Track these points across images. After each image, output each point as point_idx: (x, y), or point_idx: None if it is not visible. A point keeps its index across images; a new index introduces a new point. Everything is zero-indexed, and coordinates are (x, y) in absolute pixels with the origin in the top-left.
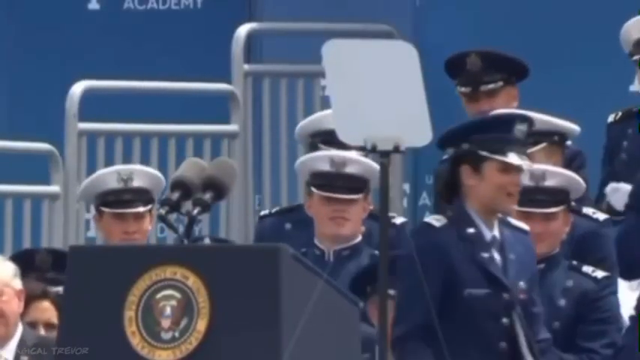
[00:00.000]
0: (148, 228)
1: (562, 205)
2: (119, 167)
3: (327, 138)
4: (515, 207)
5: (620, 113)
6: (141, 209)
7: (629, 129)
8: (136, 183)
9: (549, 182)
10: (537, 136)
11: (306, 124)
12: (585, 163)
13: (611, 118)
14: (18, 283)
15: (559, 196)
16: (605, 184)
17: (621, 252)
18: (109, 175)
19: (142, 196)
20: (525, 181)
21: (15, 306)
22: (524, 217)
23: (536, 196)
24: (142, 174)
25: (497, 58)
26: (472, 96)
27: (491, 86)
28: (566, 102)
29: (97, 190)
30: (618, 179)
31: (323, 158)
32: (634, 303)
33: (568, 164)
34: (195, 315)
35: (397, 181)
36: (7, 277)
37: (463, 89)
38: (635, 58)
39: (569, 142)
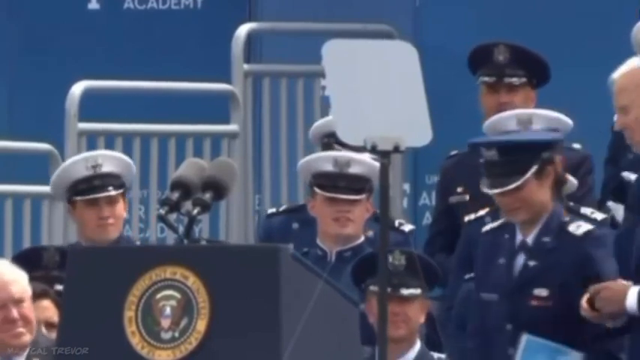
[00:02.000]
0: (122, 213)
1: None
2: (85, 155)
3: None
4: None
5: None
6: (113, 193)
7: None
8: (105, 168)
9: None
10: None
11: (322, 124)
12: (594, 168)
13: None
14: (30, 288)
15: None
16: (608, 184)
17: (620, 252)
18: (76, 165)
19: (113, 180)
20: None
21: (32, 312)
22: None
23: None
24: (110, 159)
25: (525, 52)
26: (494, 87)
27: (514, 80)
28: (567, 102)
29: (68, 181)
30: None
31: (327, 158)
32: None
33: (576, 168)
34: (195, 315)
35: (397, 181)
36: (26, 283)
37: (486, 79)
38: None
39: (577, 146)
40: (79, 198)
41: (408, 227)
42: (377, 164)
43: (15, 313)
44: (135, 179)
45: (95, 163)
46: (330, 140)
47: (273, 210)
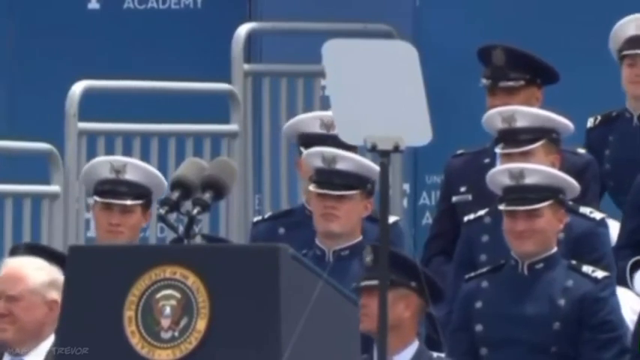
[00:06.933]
0: (136, 224)
1: (544, 202)
2: (112, 158)
3: (307, 141)
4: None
5: (599, 117)
6: (128, 202)
7: (609, 136)
8: (129, 176)
9: (529, 180)
10: (537, 132)
11: (290, 126)
12: (598, 173)
13: (590, 123)
14: (52, 293)
15: (541, 193)
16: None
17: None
18: (102, 165)
19: (133, 189)
20: (506, 180)
21: (39, 315)
22: (509, 216)
23: (516, 194)
24: (136, 167)
25: (522, 56)
26: (491, 90)
27: (510, 83)
28: (565, 101)
29: (92, 180)
30: (603, 191)
31: (316, 154)
32: (634, 305)
33: (580, 173)
34: (194, 315)
35: (397, 181)
36: (35, 285)
37: (484, 81)
38: (626, 53)
39: (581, 150)
40: (96, 198)
41: (391, 218)
42: (365, 160)
43: (2, 308)
44: None
45: (119, 168)
46: (298, 142)
47: (259, 218)
